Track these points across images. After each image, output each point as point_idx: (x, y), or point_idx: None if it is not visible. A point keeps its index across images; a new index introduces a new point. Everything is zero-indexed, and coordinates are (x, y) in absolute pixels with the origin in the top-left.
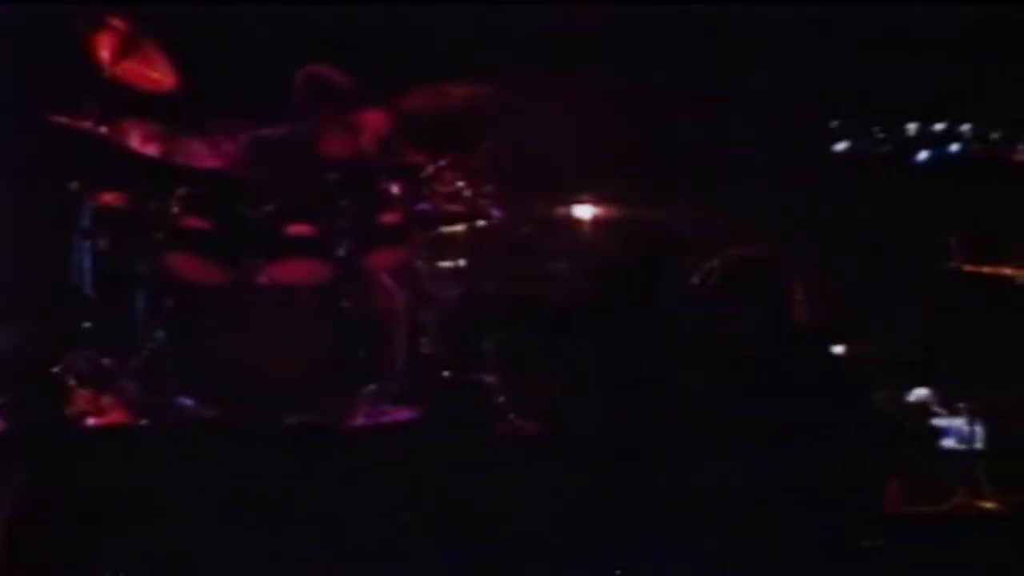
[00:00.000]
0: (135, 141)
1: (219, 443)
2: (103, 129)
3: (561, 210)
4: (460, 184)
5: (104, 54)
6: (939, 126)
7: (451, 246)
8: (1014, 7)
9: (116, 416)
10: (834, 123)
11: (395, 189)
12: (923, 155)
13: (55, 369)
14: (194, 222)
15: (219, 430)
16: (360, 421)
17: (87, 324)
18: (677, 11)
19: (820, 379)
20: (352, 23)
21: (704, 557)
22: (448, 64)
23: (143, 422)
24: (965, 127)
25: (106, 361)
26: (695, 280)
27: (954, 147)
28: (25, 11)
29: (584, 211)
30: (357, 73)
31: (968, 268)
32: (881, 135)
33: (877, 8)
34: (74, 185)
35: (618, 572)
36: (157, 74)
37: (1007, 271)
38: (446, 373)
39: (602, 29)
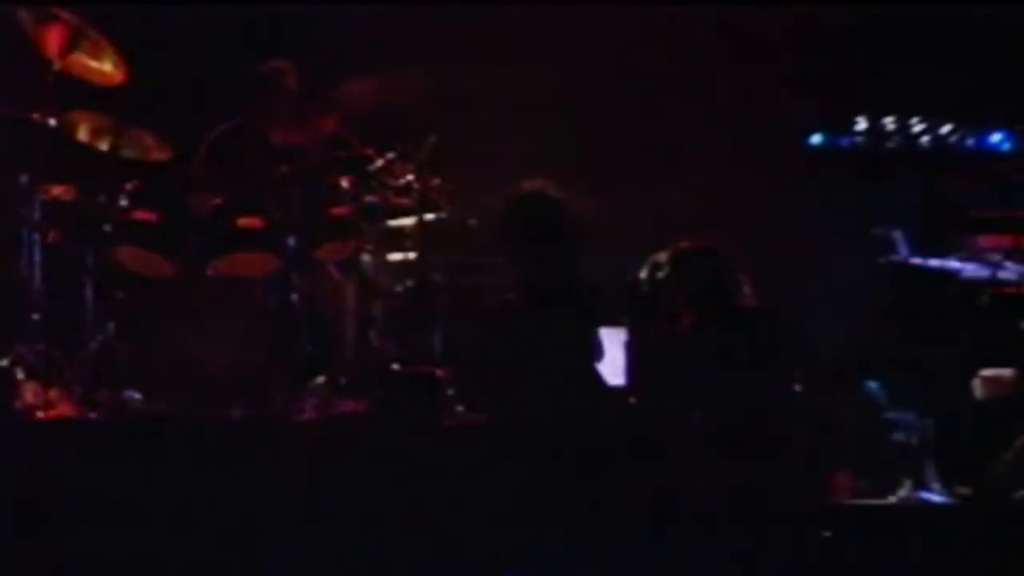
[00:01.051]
0: (84, 134)
1: (167, 437)
2: (52, 122)
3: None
4: (408, 177)
5: (53, 47)
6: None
7: (399, 239)
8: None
9: (64, 409)
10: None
11: (344, 182)
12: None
13: (4, 362)
14: (143, 215)
15: (166, 424)
16: (308, 414)
17: (36, 316)
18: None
19: (766, 369)
20: (298, 17)
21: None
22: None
23: (91, 416)
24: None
25: (55, 354)
26: (642, 273)
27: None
28: None
29: None
30: (304, 66)
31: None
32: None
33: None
34: (23, 178)
35: None
36: (106, 67)
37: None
38: (394, 366)
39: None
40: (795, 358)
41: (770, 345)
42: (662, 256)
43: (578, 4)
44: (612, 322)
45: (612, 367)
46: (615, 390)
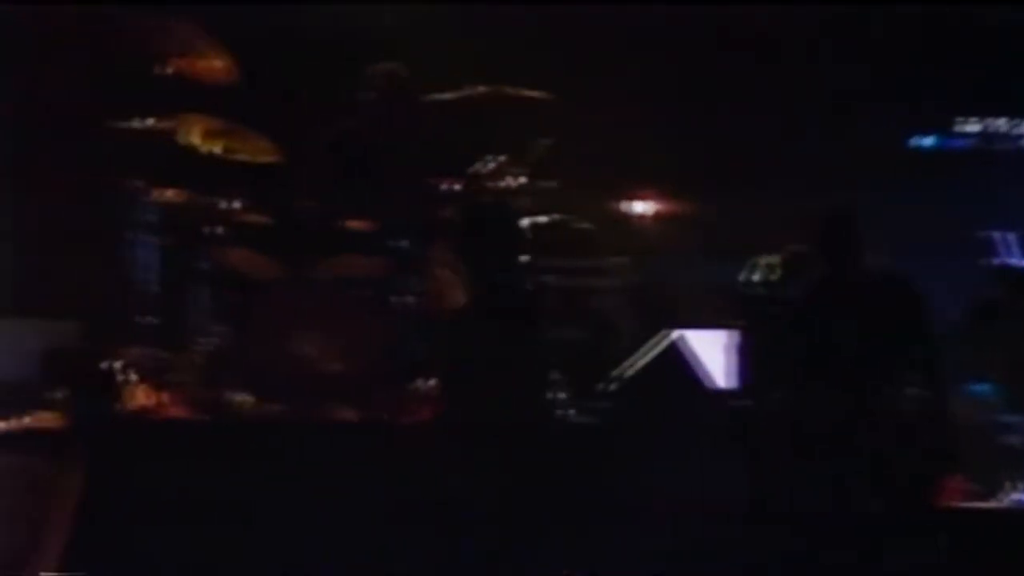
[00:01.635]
0: (197, 137)
1: (277, 440)
2: (164, 125)
3: (617, 205)
4: (520, 180)
5: (165, 50)
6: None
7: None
8: None
9: (176, 411)
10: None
11: (456, 185)
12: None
13: (116, 364)
14: (253, 217)
15: (277, 426)
16: (418, 416)
17: (148, 319)
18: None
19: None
20: (414, 19)
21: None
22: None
23: (202, 418)
24: None
25: (167, 356)
26: (753, 276)
27: None
28: (85, 9)
29: (642, 207)
30: (421, 70)
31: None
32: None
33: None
34: (136, 181)
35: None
36: (218, 70)
37: None
38: (500, 367)
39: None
40: (912, 358)
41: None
42: (773, 258)
43: (685, 5)
44: (709, 325)
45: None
46: (720, 392)
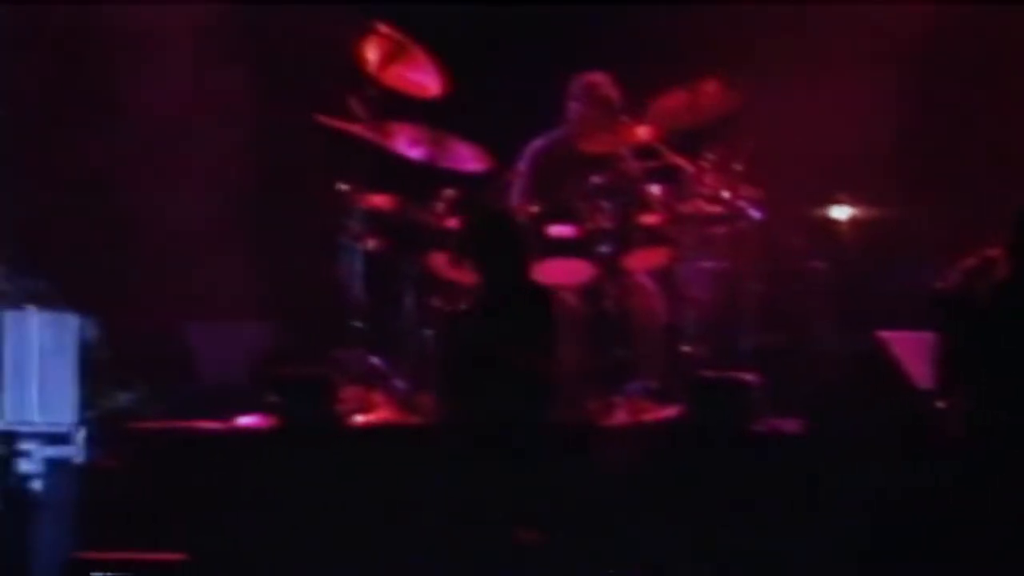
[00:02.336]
0: (402, 145)
1: (483, 440)
2: (371, 133)
3: (817, 211)
4: (720, 186)
5: (373, 60)
6: None
7: (711, 246)
8: None
9: (385, 413)
10: None
11: (656, 191)
12: None
13: (327, 367)
14: (459, 223)
15: (484, 427)
16: (620, 419)
17: (357, 323)
18: None
19: None
20: (611, 27)
21: None
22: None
23: (411, 419)
24: None
25: (375, 359)
26: (951, 280)
27: None
28: (291, 18)
29: (840, 212)
30: (620, 78)
31: None
32: None
33: None
34: (345, 187)
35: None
36: (425, 79)
37: None
38: (705, 372)
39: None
40: None
41: None
42: (970, 262)
43: (880, 11)
44: (914, 327)
45: (918, 370)
46: (923, 392)
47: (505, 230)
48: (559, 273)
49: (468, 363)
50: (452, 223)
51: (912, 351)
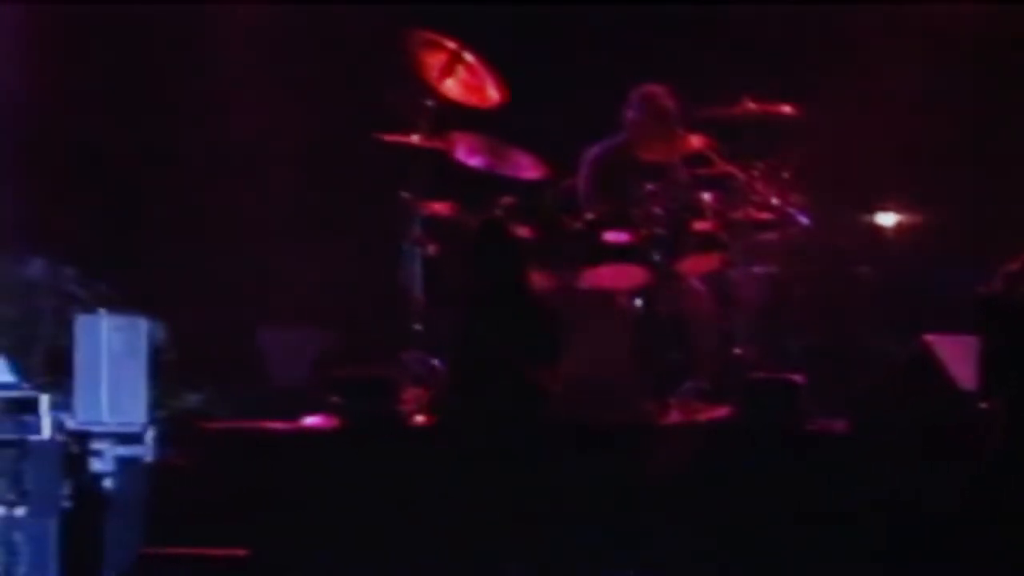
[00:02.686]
0: (462, 154)
1: (543, 441)
2: (432, 142)
3: (864, 216)
4: (770, 193)
5: (434, 71)
6: None
7: (761, 252)
8: None
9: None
10: None
11: (708, 198)
12: None
13: (388, 368)
14: (518, 230)
15: (538, 428)
16: (673, 419)
17: (417, 326)
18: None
19: None
20: (664, 38)
21: None
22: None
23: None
24: None
25: (435, 361)
26: (996, 285)
27: None
28: (352, 27)
29: (886, 217)
30: (676, 87)
31: None
32: None
33: None
34: (406, 195)
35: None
36: (484, 90)
37: None
38: (755, 373)
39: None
40: None
41: None
42: (1015, 266)
43: (925, 12)
44: (959, 330)
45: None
46: (967, 394)
47: (502, 239)
48: (614, 278)
49: (473, 368)
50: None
51: (956, 354)
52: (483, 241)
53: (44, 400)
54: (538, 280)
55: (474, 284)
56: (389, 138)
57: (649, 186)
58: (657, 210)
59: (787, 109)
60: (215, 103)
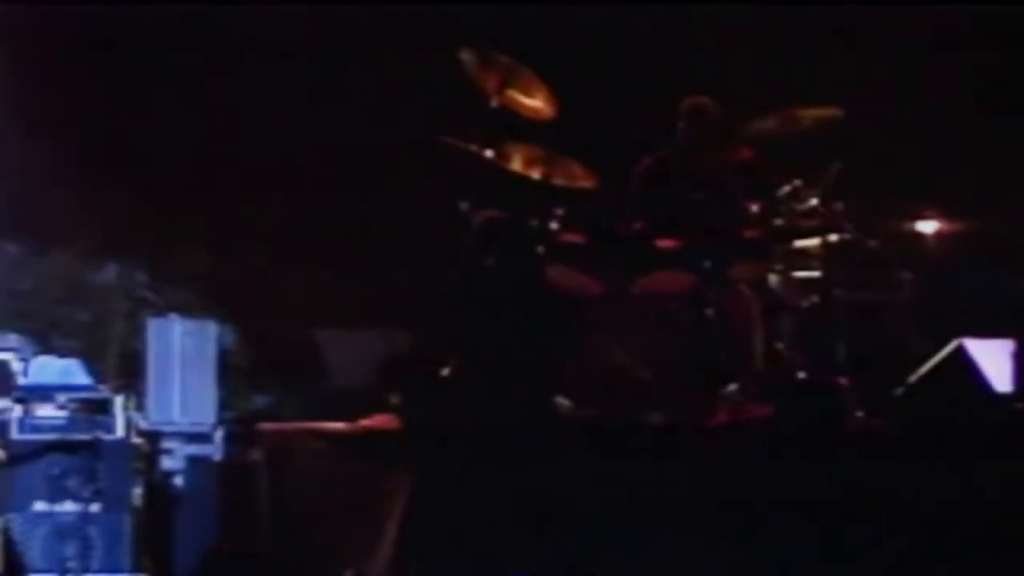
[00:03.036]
0: (518, 164)
1: (595, 442)
2: (489, 153)
3: (904, 224)
4: (813, 202)
5: (491, 85)
6: None
7: (805, 258)
8: None
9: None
10: None
11: (754, 207)
12: None
13: (445, 371)
14: (572, 237)
15: (592, 429)
16: (721, 418)
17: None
18: None
19: None
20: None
21: None
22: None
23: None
24: None
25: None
26: None
27: None
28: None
29: (926, 225)
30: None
31: None
32: None
33: None
34: (464, 204)
35: None
36: (539, 103)
37: None
38: (800, 374)
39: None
40: None
41: None
42: None
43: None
44: (995, 334)
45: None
46: (1003, 396)
47: (520, 237)
48: (665, 283)
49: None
50: (566, 237)
51: (992, 357)
52: (492, 238)
53: (117, 401)
54: (592, 287)
55: (484, 281)
56: (451, 145)
57: (698, 195)
58: (706, 218)
59: (836, 112)
60: (284, 111)
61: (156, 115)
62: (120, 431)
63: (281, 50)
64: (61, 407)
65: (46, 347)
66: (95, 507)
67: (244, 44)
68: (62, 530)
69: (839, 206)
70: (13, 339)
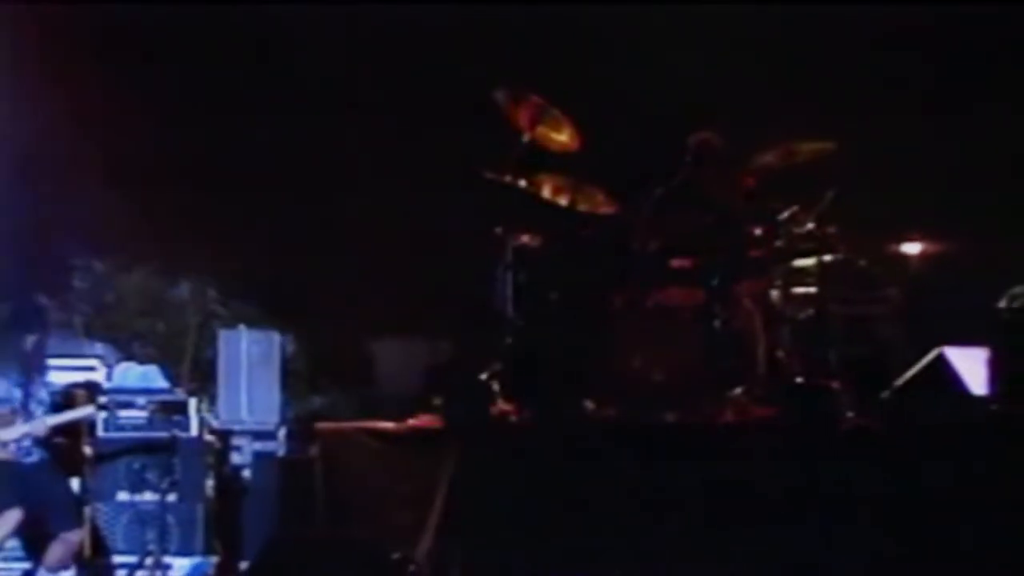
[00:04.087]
0: (548, 191)
1: (616, 440)
2: (522, 182)
3: (892, 246)
4: (809, 226)
5: (523, 121)
6: None
7: (802, 276)
8: None
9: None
10: None
11: (758, 230)
12: None
13: (483, 376)
14: (595, 258)
15: (614, 428)
16: (728, 418)
17: (509, 340)
18: None
19: None
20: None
21: None
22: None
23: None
24: None
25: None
26: (1002, 303)
27: None
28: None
29: (911, 246)
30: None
31: None
32: None
33: None
34: (499, 229)
35: None
36: (565, 137)
37: None
38: (798, 379)
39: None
40: None
41: None
42: (1021, 288)
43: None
44: (972, 343)
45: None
46: (979, 398)
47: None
48: (678, 297)
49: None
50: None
51: (970, 363)
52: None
53: (192, 403)
54: (615, 299)
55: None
56: (488, 176)
57: (707, 219)
58: (714, 240)
59: (829, 146)
60: (340, 128)
61: (221, 139)
62: (194, 430)
63: (348, 83)
64: (142, 408)
65: (128, 355)
66: (172, 497)
67: (309, 73)
68: (143, 518)
69: (832, 229)
70: (99, 347)
